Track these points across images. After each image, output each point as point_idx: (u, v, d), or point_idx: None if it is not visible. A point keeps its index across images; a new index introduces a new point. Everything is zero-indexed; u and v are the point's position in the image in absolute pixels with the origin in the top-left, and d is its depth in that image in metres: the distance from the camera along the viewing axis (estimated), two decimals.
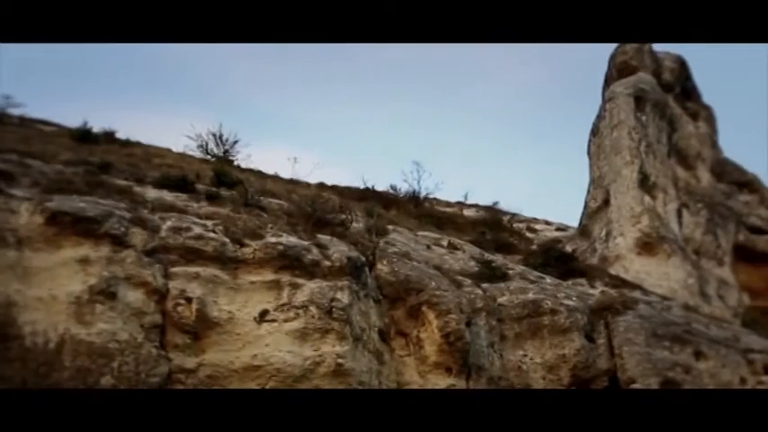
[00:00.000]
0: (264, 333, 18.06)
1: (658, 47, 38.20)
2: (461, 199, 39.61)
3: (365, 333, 19.28)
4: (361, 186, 32.52)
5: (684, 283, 31.07)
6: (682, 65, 39.33)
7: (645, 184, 33.09)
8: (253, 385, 17.69)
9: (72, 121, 27.10)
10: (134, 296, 17.34)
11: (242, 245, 18.97)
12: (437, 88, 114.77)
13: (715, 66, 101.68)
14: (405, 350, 20.40)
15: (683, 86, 39.07)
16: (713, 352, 24.53)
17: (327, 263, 19.38)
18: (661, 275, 30.66)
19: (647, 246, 31.49)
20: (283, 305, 18.41)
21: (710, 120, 40.00)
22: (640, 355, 23.14)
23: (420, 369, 20.28)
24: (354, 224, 23.23)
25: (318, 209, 22.37)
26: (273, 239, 19.37)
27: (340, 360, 18.15)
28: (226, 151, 30.35)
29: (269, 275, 18.75)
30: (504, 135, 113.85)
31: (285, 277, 18.78)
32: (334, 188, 31.04)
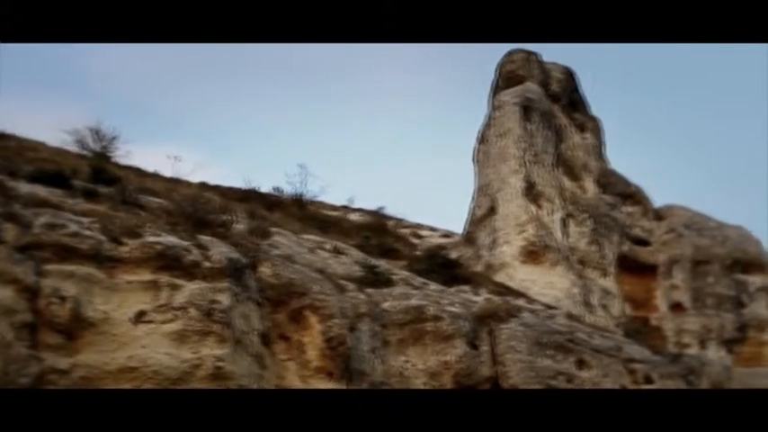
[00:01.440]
0: (141, 334, 17.73)
1: (547, 57, 38.94)
2: (346, 203, 39.68)
3: (246, 336, 19.13)
4: (245, 187, 32.31)
5: (569, 292, 31.65)
6: (569, 76, 40.07)
7: (531, 192, 33.60)
8: (128, 387, 17.32)
9: None
10: (3, 294, 16.82)
11: (119, 243, 18.59)
12: (324, 91, 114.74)
13: (715, 66, 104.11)
14: (286, 354, 20.31)
15: (570, 97, 39.81)
16: (596, 361, 25.00)
17: (208, 264, 19.16)
18: (545, 284, 31.18)
19: (531, 254, 31.99)
20: (161, 306, 18.09)
21: (597, 131, 40.82)
22: (523, 363, 23.46)
23: (301, 373, 20.20)
24: (236, 225, 23.06)
25: (200, 209, 22.16)
26: (152, 239, 19.06)
27: (219, 363, 17.95)
28: (104, 147, 29.72)
29: (147, 275, 18.42)
30: (392, 140, 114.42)
31: (164, 278, 18.48)
32: (217, 188, 30.81)
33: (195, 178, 30.11)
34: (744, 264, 38.43)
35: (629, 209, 38.71)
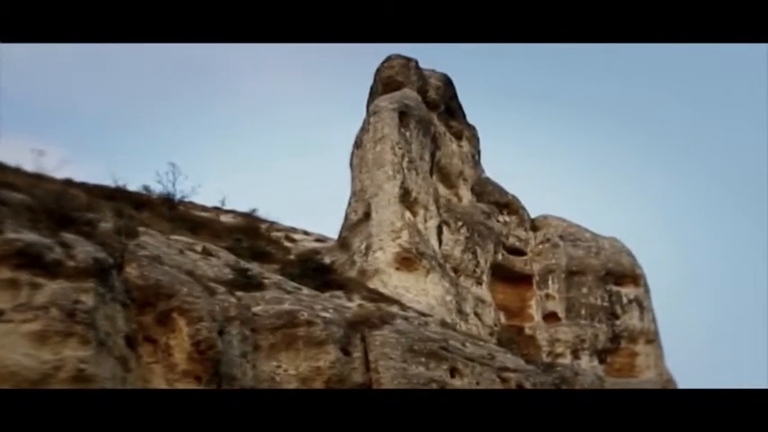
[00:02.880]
0: None
1: (425, 64, 39.23)
2: (218, 204, 39.24)
3: (110, 338, 18.73)
4: (112, 185, 31.66)
5: (442, 299, 31.85)
6: (447, 83, 40.39)
7: (406, 199, 33.72)
8: None
9: None
10: None
11: None
12: (199, 90, 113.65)
13: (715, 66, 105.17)
14: (152, 357, 19.98)
15: (447, 105, 40.11)
16: (468, 369, 25.24)
17: (72, 263, 18.70)
18: (419, 291, 31.32)
19: (406, 261, 32.08)
20: (21, 305, 17.55)
21: (473, 139, 41.24)
22: (396, 370, 23.54)
23: (168, 377, 19.91)
24: (103, 224, 22.59)
25: (64, 206, 21.63)
26: (12, 235, 18.47)
27: (82, 365, 17.52)
28: None
29: (6, 273, 17.85)
30: (265, 141, 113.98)
31: (24, 276, 17.94)
32: (83, 186, 30.11)
33: (60, 174, 29.38)
34: (617, 275, 39.25)
35: (505, 218, 39.19)
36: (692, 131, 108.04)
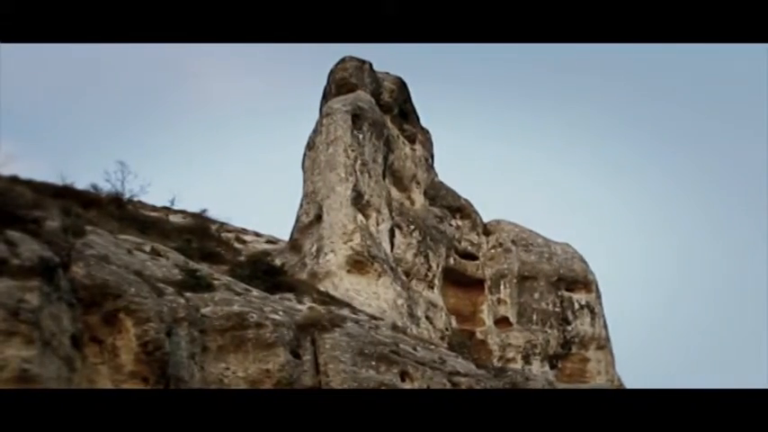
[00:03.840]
0: None
1: (379, 67, 39.24)
2: (168, 204, 38.95)
3: (55, 338, 18.51)
4: (60, 183, 31.34)
5: (394, 303, 31.86)
6: (401, 86, 40.40)
7: (358, 202, 33.71)
8: None
9: None
10: None
11: None
12: (150, 89, 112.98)
13: (715, 66, 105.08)
14: (98, 358, 19.78)
15: (401, 108, 40.13)
16: (419, 373, 25.24)
17: (17, 261, 18.41)
18: (371, 294, 31.31)
19: (357, 264, 32.07)
20: None
21: (427, 143, 41.28)
22: (346, 374, 23.49)
23: (114, 378, 19.72)
24: (49, 222, 22.34)
25: (9, 203, 21.35)
26: None
27: (25, 365, 17.28)
28: None
29: None
30: (216, 141, 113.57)
31: None
32: (29, 183, 29.78)
33: (6, 171, 29.04)
34: (569, 281, 39.49)
35: (458, 222, 39.28)
36: (692, 132, 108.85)
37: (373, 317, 28.11)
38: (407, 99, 40.34)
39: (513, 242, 39.64)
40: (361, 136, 35.17)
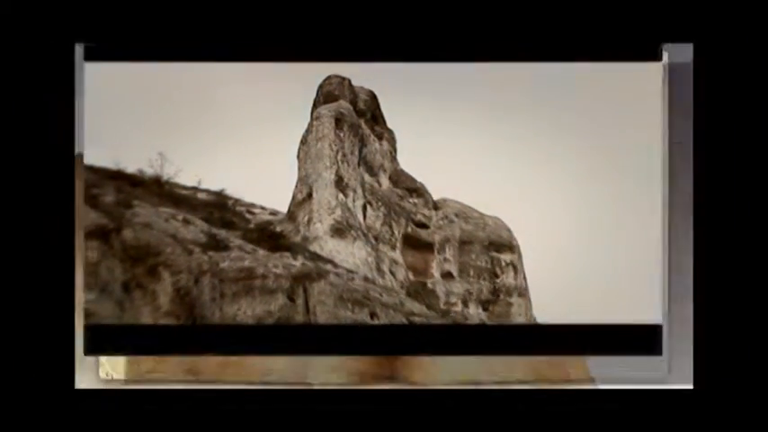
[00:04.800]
0: None
1: (355, 82, 39.37)
2: (196, 184, 38.98)
3: (110, 285, 18.68)
4: (114, 168, 31.42)
5: (365, 261, 31.94)
6: (373, 97, 40.40)
7: (340, 184, 33.66)
8: None
9: None
10: None
11: None
12: (175, 101, 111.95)
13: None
14: (142, 300, 19.77)
15: (373, 114, 40.10)
16: (384, 313, 25.40)
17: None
18: (348, 254, 31.34)
19: (338, 231, 32.07)
20: None
21: (392, 140, 41.39)
22: (329, 314, 23.61)
23: (154, 315, 19.78)
24: (105, 198, 22.50)
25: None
26: None
27: (87, 306, 17.50)
28: None
29: None
30: (231, 139, 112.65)
31: None
32: (90, 168, 29.83)
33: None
34: (497, 245, 39.61)
35: (414, 200, 39.44)
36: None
37: (349, 270, 28.21)
38: (377, 107, 40.47)
39: (456, 215, 39.70)
40: (342, 134, 35.05)
